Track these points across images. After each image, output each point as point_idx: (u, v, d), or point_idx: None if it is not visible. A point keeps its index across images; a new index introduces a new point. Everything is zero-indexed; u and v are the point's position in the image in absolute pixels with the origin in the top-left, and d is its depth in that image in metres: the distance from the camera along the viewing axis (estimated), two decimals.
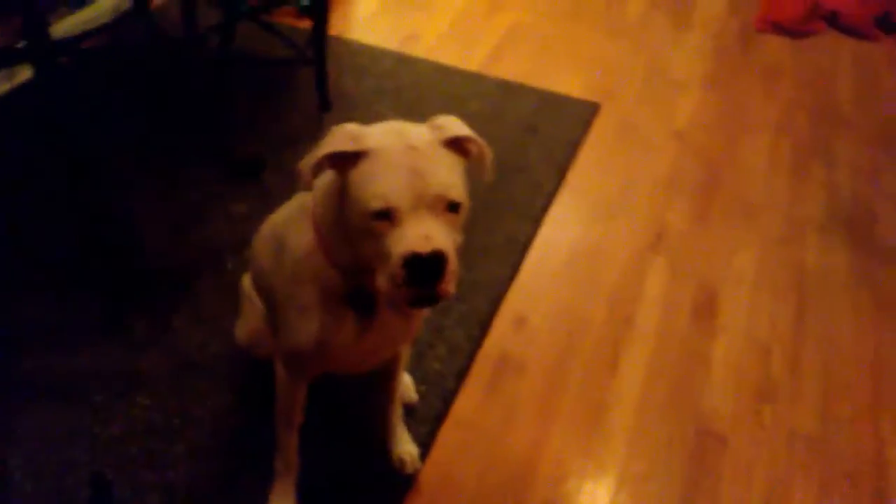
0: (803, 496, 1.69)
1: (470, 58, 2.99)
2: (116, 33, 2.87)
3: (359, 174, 1.08)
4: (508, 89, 2.84)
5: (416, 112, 2.63)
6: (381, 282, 1.08)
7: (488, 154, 1.19)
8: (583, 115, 2.75)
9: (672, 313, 2.07)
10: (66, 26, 2.74)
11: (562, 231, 2.30)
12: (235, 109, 2.61)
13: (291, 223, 1.31)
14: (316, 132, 2.52)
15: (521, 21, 3.27)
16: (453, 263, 1.07)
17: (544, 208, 2.35)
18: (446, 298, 1.09)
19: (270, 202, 2.19)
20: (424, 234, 1.04)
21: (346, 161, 1.10)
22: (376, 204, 1.04)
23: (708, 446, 1.76)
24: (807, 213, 2.42)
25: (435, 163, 1.08)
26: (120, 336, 1.83)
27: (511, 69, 2.96)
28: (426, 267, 1.03)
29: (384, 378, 1.57)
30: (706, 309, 2.09)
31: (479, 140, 1.16)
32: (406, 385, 1.75)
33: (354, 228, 1.10)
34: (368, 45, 2.94)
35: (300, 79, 2.76)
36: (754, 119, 2.83)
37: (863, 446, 1.79)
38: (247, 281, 1.63)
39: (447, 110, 2.64)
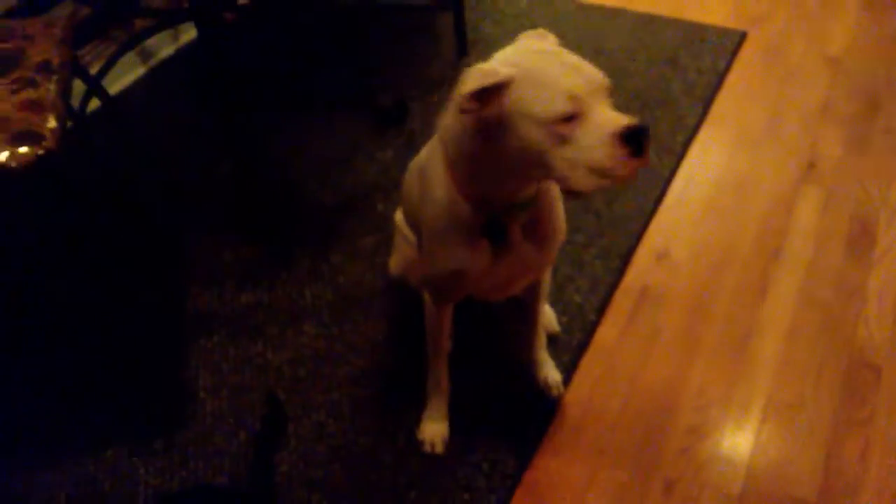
0: None
1: None
2: None
3: (518, 97, 1.10)
4: (649, 22, 2.78)
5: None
6: (579, 178, 1.10)
7: None
8: (727, 44, 2.66)
9: (825, 244, 2.00)
10: None
11: (705, 164, 2.26)
12: (376, 58, 2.72)
13: (431, 160, 1.39)
14: (455, 77, 2.58)
15: None
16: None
17: (687, 142, 2.31)
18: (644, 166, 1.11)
19: (414, 146, 2.31)
20: (615, 113, 1.08)
21: (490, 98, 1.11)
22: (562, 105, 1.06)
23: (862, 377, 1.72)
24: None
25: (577, 57, 1.12)
26: (285, 273, 2.00)
27: (652, 1, 2.88)
28: (640, 134, 1.06)
29: (527, 306, 1.64)
30: (862, 239, 2.00)
31: None
32: (548, 316, 1.81)
33: (520, 156, 1.13)
34: None
35: (438, 24, 2.83)
36: None
37: None
38: (399, 216, 1.74)
39: (586, 48, 2.66)
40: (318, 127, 2.45)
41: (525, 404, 1.70)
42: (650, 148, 1.09)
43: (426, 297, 1.53)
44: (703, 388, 1.73)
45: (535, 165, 1.13)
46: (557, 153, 1.10)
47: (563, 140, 1.08)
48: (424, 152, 1.49)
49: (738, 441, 1.63)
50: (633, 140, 1.06)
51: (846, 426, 1.64)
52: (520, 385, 1.72)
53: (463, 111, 1.13)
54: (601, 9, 2.84)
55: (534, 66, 1.11)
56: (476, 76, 1.11)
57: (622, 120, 1.07)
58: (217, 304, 1.94)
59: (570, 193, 1.14)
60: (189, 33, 2.83)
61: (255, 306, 1.93)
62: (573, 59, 1.11)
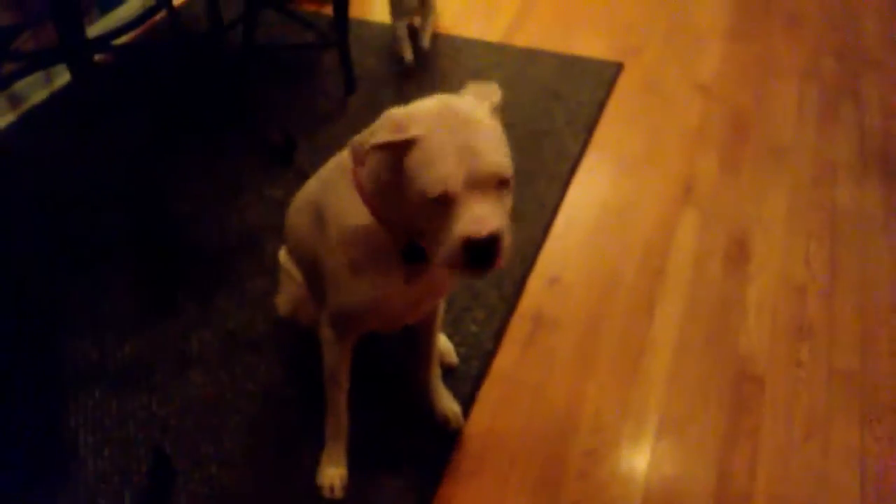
0: (844, 432, 1.70)
1: (491, 29, 3.01)
2: (144, 31, 2.97)
3: (412, 162, 1.12)
4: (531, 56, 2.86)
5: (442, 89, 2.67)
6: (440, 257, 1.14)
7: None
8: (606, 75, 2.76)
9: (705, 261, 2.09)
10: (96, 30, 2.84)
11: (590, 191, 2.32)
12: (264, 97, 2.68)
13: (330, 188, 1.36)
14: (342, 114, 2.58)
15: None
16: (507, 240, 1.12)
17: (572, 170, 2.38)
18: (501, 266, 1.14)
19: (302, 182, 2.28)
20: (480, 216, 1.08)
21: (396, 148, 1.14)
22: (433, 192, 1.09)
23: (747, 388, 1.79)
24: (837, 155, 2.40)
25: (485, 139, 1.11)
26: (170, 319, 1.92)
27: (532, 36, 2.97)
28: (483, 249, 1.09)
29: (421, 338, 1.63)
30: (739, 255, 2.10)
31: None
32: (445, 348, 1.80)
33: (411, 205, 1.15)
34: (390, 26, 2.97)
35: (325, 63, 2.82)
36: (780, 67, 2.80)
37: None
38: (283, 254, 1.70)
39: (469, 80, 2.68)
40: (204, 166, 2.39)
41: (425, 439, 1.67)
42: (499, 257, 1.10)
43: (326, 334, 1.49)
44: (599, 409, 1.75)
45: (414, 220, 1.16)
46: (429, 226, 1.13)
47: (436, 218, 1.11)
48: (315, 185, 1.46)
49: (635, 460, 1.66)
50: (474, 251, 1.08)
51: (735, 437, 1.69)
52: (419, 420, 1.70)
53: (366, 155, 1.16)
54: (484, 44, 2.91)
55: (434, 138, 1.11)
56: (388, 129, 1.12)
57: (473, 228, 1.08)
58: (97, 357, 1.84)
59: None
60: (63, 76, 2.71)
61: (139, 356, 1.84)
62: (473, 142, 1.10)
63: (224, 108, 2.65)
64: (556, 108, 2.61)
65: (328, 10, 3.08)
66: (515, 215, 2.17)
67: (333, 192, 1.35)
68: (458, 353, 1.83)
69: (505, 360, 1.85)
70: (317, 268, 1.45)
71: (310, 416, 1.68)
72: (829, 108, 2.60)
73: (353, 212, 1.29)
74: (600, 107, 2.63)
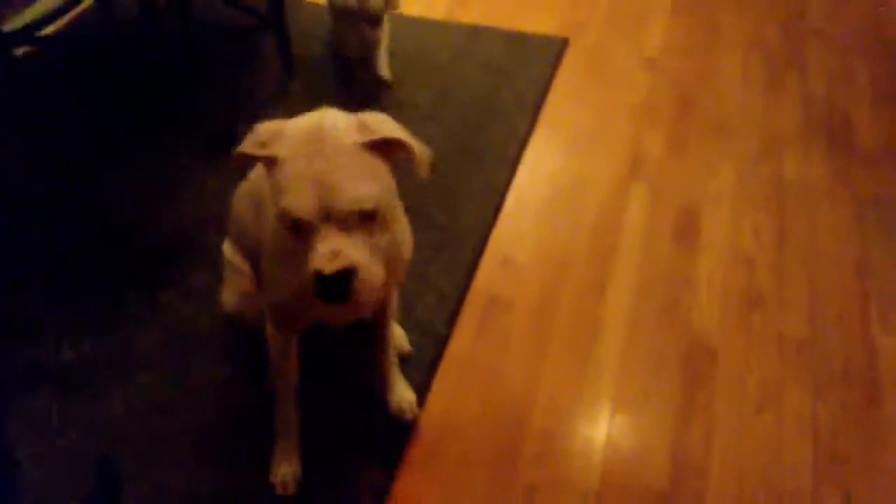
0: (798, 399, 1.72)
1: (434, 6, 2.96)
2: (72, 19, 2.85)
3: (273, 180, 1.11)
4: (475, 34, 2.82)
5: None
6: (301, 280, 1.12)
7: (422, 156, 1.16)
8: (551, 51, 2.73)
9: (655, 237, 2.08)
10: (16, 23, 2.71)
11: (540, 170, 2.30)
12: (202, 84, 2.60)
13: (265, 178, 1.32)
14: (284, 100, 2.51)
15: None
16: (366, 275, 1.08)
17: (520, 149, 2.35)
18: (364, 305, 1.13)
19: (243, 174, 2.22)
20: (331, 250, 1.06)
21: (260, 161, 1.14)
22: (286, 218, 1.08)
23: (700, 361, 1.79)
24: (783, 127, 2.42)
25: (347, 173, 1.06)
26: (113, 319, 1.85)
27: (476, 12, 2.93)
28: (333, 284, 1.06)
29: (375, 328, 1.59)
30: (688, 229, 2.10)
31: (411, 142, 1.13)
32: (399, 337, 1.77)
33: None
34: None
35: (266, 48, 2.74)
36: (725, 38, 2.81)
37: (852, 342, 1.82)
38: (227, 246, 1.65)
39: (415, 62, 2.65)
40: (141, 157, 2.30)
41: (380, 430, 1.65)
42: (354, 293, 1.08)
43: (269, 328, 1.45)
44: (555, 389, 1.74)
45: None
46: (294, 245, 1.12)
47: (298, 241, 1.10)
48: (255, 174, 1.43)
49: (592, 438, 1.65)
50: (324, 286, 1.06)
51: (689, 412, 1.70)
52: (373, 411, 1.67)
53: (234, 162, 1.16)
54: (428, 22, 2.85)
55: (294, 163, 1.07)
56: (254, 141, 1.12)
57: (320, 263, 1.05)
58: (38, 361, 1.77)
59: None
60: None
61: (81, 360, 1.77)
62: (331, 177, 1.05)
63: (160, 98, 2.56)
64: (503, 87, 2.58)
65: None
66: (465, 196, 2.17)
67: (262, 187, 1.32)
68: (412, 340, 1.80)
69: (460, 343, 1.83)
70: (258, 260, 1.41)
71: (261, 413, 1.64)
72: (774, 78, 2.61)
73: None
74: (547, 84, 2.60)
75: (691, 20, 2.90)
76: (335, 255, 1.06)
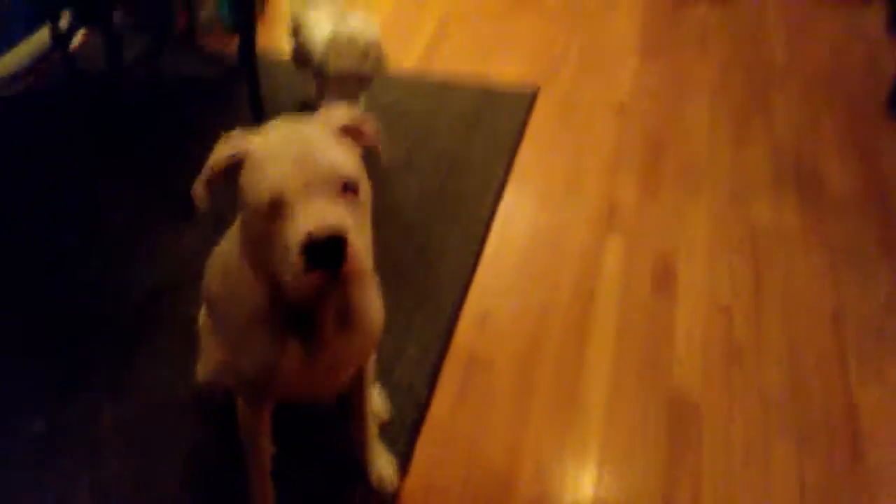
0: (783, 453, 1.71)
1: (405, 57, 2.97)
2: (37, 76, 2.81)
3: (245, 176, 1.06)
4: (446, 85, 2.83)
5: None
6: (285, 278, 1.03)
7: (378, 134, 1.18)
8: (523, 100, 2.75)
9: (633, 287, 2.08)
10: None
11: (516, 221, 2.30)
12: (171, 138, 2.56)
13: (231, 247, 1.28)
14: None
15: (450, 13, 3.25)
16: (356, 242, 1.01)
17: (496, 201, 2.34)
18: (354, 278, 1.03)
19: (220, 230, 2.18)
20: (319, 215, 0.99)
21: (236, 171, 1.08)
22: (264, 197, 1.01)
23: (683, 415, 1.78)
24: (753, 174, 2.45)
25: (323, 145, 1.05)
26: (79, 392, 1.79)
27: (448, 61, 2.95)
28: (326, 248, 0.98)
29: (352, 396, 1.55)
30: (665, 278, 2.10)
31: (369, 121, 1.15)
32: (378, 403, 1.72)
33: (257, 240, 1.07)
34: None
35: (234, 101, 2.72)
36: (692, 84, 2.85)
37: (832, 394, 1.82)
38: (203, 315, 1.60)
39: (388, 114, 2.64)
40: (107, 219, 2.25)
41: (362, 502, 1.60)
42: (347, 259, 0.99)
43: (238, 401, 1.41)
44: (539, 452, 1.71)
45: (262, 260, 1.07)
46: (269, 249, 1.04)
47: (276, 234, 1.02)
48: (226, 240, 1.38)
49: (579, 501, 1.62)
50: (313, 252, 0.98)
51: (676, 468, 1.68)
52: (353, 482, 1.62)
53: (209, 183, 1.10)
54: (400, 71, 2.85)
55: (266, 147, 1.05)
56: (223, 148, 1.09)
57: (311, 224, 0.98)
58: (2, 437, 1.70)
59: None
60: None
61: (45, 436, 1.70)
62: (309, 147, 1.03)
63: (124, 155, 2.51)
64: (476, 138, 2.58)
65: (234, 45, 2.98)
66: (441, 250, 2.15)
67: (232, 247, 1.26)
68: (392, 403, 1.76)
69: (441, 406, 1.80)
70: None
71: (234, 488, 1.58)
72: (742, 125, 2.65)
73: (240, 276, 1.20)
74: (520, 133, 2.61)
75: (659, 66, 2.94)
76: (322, 218, 0.99)
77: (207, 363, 1.60)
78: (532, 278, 2.12)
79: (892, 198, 2.36)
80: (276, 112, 2.59)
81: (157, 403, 1.76)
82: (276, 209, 1.01)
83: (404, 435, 1.71)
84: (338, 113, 1.13)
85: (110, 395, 1.78)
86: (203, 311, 1.62)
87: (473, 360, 1.90)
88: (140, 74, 2.67)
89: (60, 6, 2.65)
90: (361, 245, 1.03)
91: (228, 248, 1.33)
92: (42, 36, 2.83)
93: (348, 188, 1.04)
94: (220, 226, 2.16)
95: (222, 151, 1.09)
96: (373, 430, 1.61)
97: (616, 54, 3.01)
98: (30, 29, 2.83)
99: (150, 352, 1.88)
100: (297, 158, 1.02)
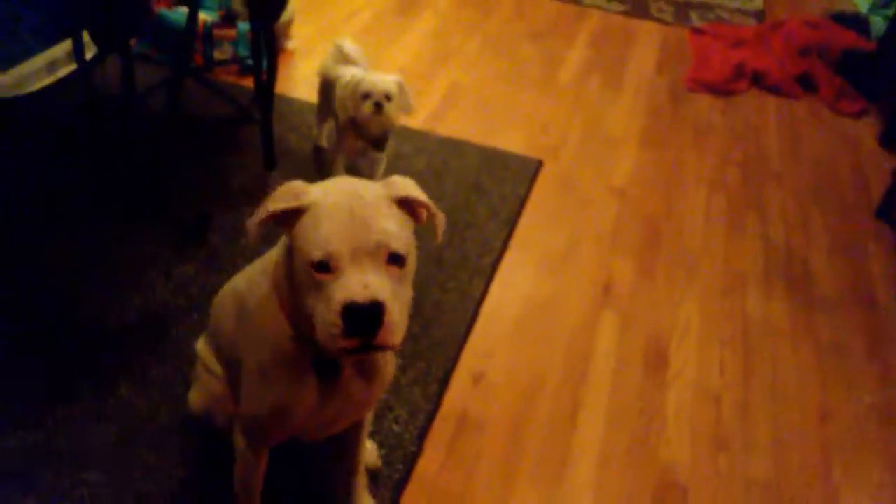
0: None
1: (414, 115, 3.02)
2: (55, 95, 2.81)
3: (301, 227, 1.09)
4: (453, 146, 2.88)
5: (363, 172, 2.64)
6: (320, 331, 1.06)
7: (441, 218, 1.21)
8: (526, 171, 2.80)
9: (625, 366, 2.09)
10: None
11: (513, 286, 2.31)
12: (179, 169, 2.56)
13: (253, 285, 1.30)
14: (262, 190, 2.49)
15: (459, 81, 3.33)
16: (394, 314, 1.05)
17: (494, 264, 2.37)
18: (387, 349, 1.08)
19: (217, 262, 2.17)
20: (363, 283, 1.03)
21: (290, 218, 1.11)
22: (317, 253, 1.04)
23: (670, 497, 1.77)
24: (745, 266, 2.51)
25: (379, 213, 1.08)
26: (62, 410, 1.74)
27: (454, 127, 3.00)
28: (364, 316, 1.03)
29: (347, 445, 1.52)
30: (657, 360, 2.12)
31: (431, 204, 1.16)
32: (369, 450, 1.70)
33: (300, 285, 1.10)
34: (312, 104, 2.93)
35: (244, 137, 2.74)
36: (689, 175, 2.93)
37: (815, 493, 1.83)
38: (202, 345, 1.58)
39: (394, 168, 2.66)
40: (107, 240, 2.23)
41: None
42: (383, 329, 1.04)
43: (237, 438, 1.38)
44: None
45: (302, 304, 1.11)
46: (312, 300, 1.08)
47: (321, 290, 1.06)
48: (242, 278, 1.39)
49: None
50: (351, 318, 1.03)
51: None
52: None
53: (261, 223, 1.13)
54: (407, 131, 2.90)
55: (326, 203, 1.08)
56: (285, 194, 1.12)
57: (353, 291, 1.02)
58: None
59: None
60: None
61: (25, 451, 1.64)
62: (365, 212, 1.06)
63: (133, 179, 2.50)
64: (479, 201, 2.62)
65: (247, 81, 3.02)
66: (438, 308, 2.16)
67: (255, 287, 1.28)
68: (381, 454, 1.74)
69: (428, 463, 1.77)
70: (236, 367, 1.35)
71: None
72: (736, 218, 2.72)
73: (269, 315, 1.22)
74: (522, 202, 2.65)
75: (658, 156, 3.02)
76: (366, 287, 1.03)
77: (202, 394, 1.57)
78: (527, 344, 2.12)
79: (879, 299, 2.42)
80: (286, 151, 2.65)
81: (142, 428, 1.72)
82: (325, 265, 1.05)
83: (391, 488, 1.69)
84: (400, 184, 1.14)
85: (94, 417, 1.73)
86: (202, 341, 1.60)
87: (464, 420, 1.88)
88: (153, 103, 2.69)
89: (80, 26, 2.67)
90: (399, 317, 1.07)
91: (246, 286, 1.34)
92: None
93: (395, 260, 1.07)
94: (214, 257, 2.18)
95: (282, 198, 1.11)
96: (363, 481, 1.58)
97: (617, 140, 3.09)
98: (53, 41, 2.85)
99: (138, 374, 1.84)
100: (351, 222, 1.05)
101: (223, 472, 1.47)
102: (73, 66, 2.80)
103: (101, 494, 1.59)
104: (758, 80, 3.57)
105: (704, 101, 3.43)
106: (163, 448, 1.69)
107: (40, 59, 2.82)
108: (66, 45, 2.87)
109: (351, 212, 1.06)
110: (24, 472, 1.61)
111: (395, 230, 1.07)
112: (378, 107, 2.29)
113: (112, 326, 1.96)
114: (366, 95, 2.29)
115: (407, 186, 1.14)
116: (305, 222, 1.08)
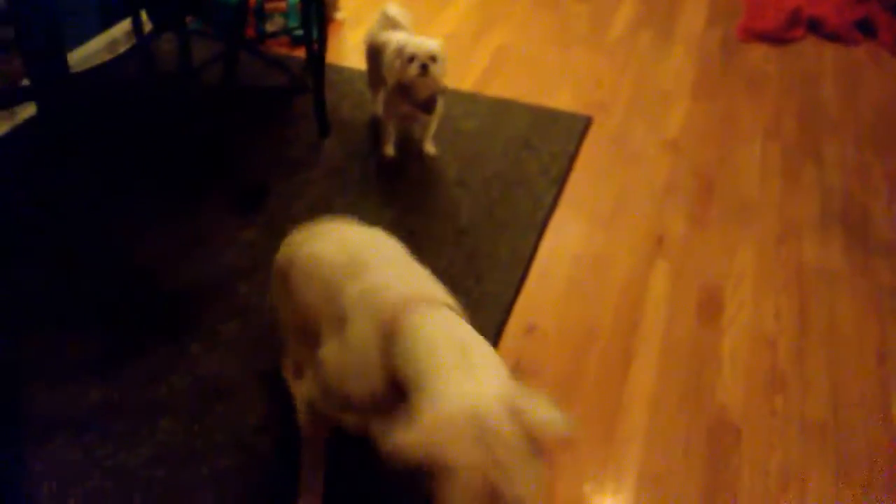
0: (819, 482, 1.71)
1: (463, 78, 3.05)
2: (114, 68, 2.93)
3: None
4: (502, 107, 2.90)
5: (414, 135, 2.68)
6: None
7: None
8: (576, 128, 2.81)
9: (678, 314, 2.11)
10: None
11: (564, 241, 2.34)
12: (237, 140, 2.65)
13: (358, 334, 1.26)
14: (316, 157, 2.57)
15: (508, 43, 3.34)
16: None
17: (545, 220, 2.39)
18: None
19: (275, 227, 2.25)
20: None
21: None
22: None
23: (723, 439, 1.79)
24: (801, 213, 2.48)
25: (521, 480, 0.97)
26: (139, 364, 1.85)
27: (503, 88, 3.02)
28: None
29: None
30: (711, 308, 2.13)
31: (569, 436, 1.03)
32: None
33: None
34: (362, 72, 2.99)
35: (297, 107, 2.81)
36: (744, 126, 2.89)
37: (874, 429, 1.83)
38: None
39: (443, 131, 2.70)
40: (172, 207, 2.34)
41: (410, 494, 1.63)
42: None
43: (302, 415, 1.46)
44: (578, 463, 1.73)
45: None
46: None
47: None
48: (353, 290, 1.32)
49: None
50: None
51: (714, 490, 1.69)
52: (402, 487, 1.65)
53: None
54: (457, 93, 2.93)
55: (463, 475, 0.96)
56: (418, 440, 0.99)
57: None
58: (61, 404, 1.75)
59: None
60: (28, 109, 2.65)
61: (105, 403, 1.76)
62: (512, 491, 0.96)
63: (196, 151, 2.61)
64: (529, 158, 2.64)
65: (299, 52, 3.10)
66: (491, 263, 2.20)
67: (360, 337, 1.25)
68: None
69: None
70: (313, 340, 1.38)
71: (283, 469, 1.62)
72: (792, 167, 2.68)
73: (366, 374, 1.21)
74: (571, 159, 2.67)
75: (711, 107, 2.99)
76: None
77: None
78: (579, 297, 2.15)
79: None
80: (338, 119, 2.72)
81: (213, 381, 1.82)
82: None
83: None
84: (535, 418, 1.01)
85: (167, 372, 1.84)
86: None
87: (519, 367, 1.93)
88: (209, 78, 2.78)
89: (139, 5, 2.77)
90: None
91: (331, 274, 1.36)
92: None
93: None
94: (273, 223, 2.27)
95: (419, 445, 0.98)
96: None
97: (669, 93, 3.06)
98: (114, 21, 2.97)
99: (207, 332, 1.94)
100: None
101: (288, 421, 1.55)
102: (131, 45, 2.91)
103: (176, 441, 1.69)
104: (814, 27, 3.48)
105: (758, 51, 3.36)
106: (231, 397, 1.78)
107: (103, 38, 2.94)
108: (125, 25, 2.99)
109: (490, 490, 0.95)
110: (103, 422, 1.72)
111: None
112: (424, 68, 2.32)
113: (182, 288, 2.07)
114: (411, 58, 2.32)
115: (547, 421, 1.01)
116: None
